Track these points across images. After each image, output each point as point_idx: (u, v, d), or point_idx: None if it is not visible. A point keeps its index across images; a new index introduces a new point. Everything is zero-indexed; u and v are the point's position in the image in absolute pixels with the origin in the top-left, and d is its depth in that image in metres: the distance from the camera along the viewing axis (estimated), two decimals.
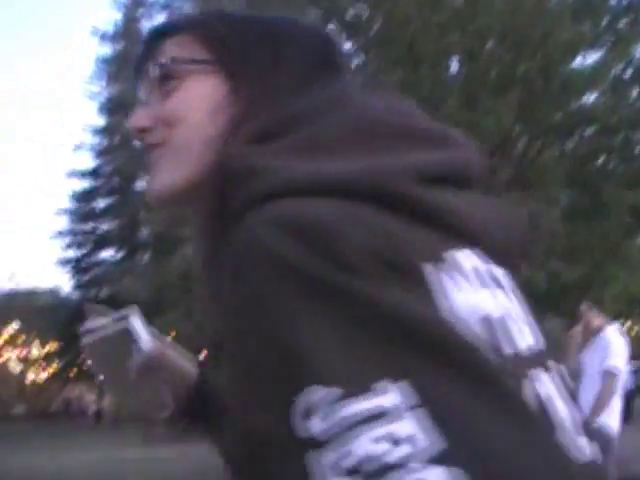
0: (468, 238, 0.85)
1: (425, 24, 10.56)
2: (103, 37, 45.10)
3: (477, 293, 0.81)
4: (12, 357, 53.86)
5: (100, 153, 46.65)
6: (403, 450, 0.65)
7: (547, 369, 0.87)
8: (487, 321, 0.80)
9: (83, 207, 47.29)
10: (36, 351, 52.46)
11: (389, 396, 0.67)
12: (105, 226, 47.64)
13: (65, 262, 45.74)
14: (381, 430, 0.66)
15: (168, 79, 1.03)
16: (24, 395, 54.97)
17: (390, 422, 0.67)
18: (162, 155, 1.02)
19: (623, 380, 7.38)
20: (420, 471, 0.64)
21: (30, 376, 55.07)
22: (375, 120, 0.90)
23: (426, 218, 0.81)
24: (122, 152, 43.95)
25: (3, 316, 49.80)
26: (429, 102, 11.49)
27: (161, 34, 1.07)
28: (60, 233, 46.48)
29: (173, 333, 36.40)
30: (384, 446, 0.66)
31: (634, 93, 11.33)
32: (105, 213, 47.10)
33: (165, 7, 39.03)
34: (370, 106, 0.94)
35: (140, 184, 46.61)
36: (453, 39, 11.03)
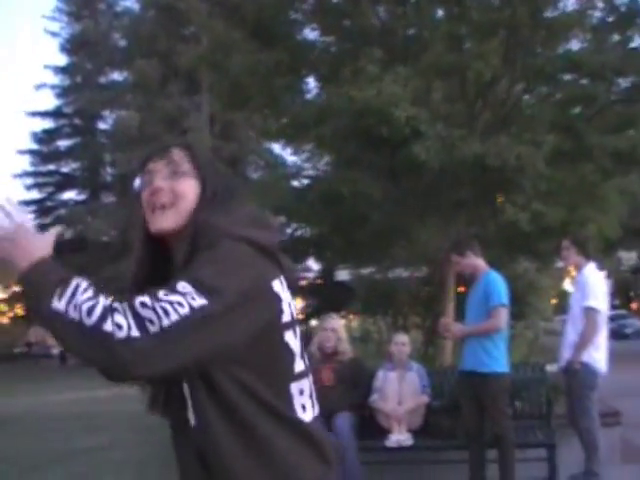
0: (284, 272, 2.01)
1: None
2: None
3: (286, 291, 1.99)
4: None
5: (62, 93, 45.83)
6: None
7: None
8: (290, 302, 2.00)
9: (45, 148, 46.59)
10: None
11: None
12: (68, 167, 47.02)
13: (27, 203, 45.18)
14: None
15: (179, 172, 2.08)
16: None
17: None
18: (169, 210, 2.04)
19: (605, 316, 7.55)
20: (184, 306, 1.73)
21: None
22: (253, 217, 2.05)
23: (277, 261, 1.99)
24: (84, 92, 43.26)
25: None
26: (416, 44, 11.60)
27: (169, 146, 2.15)
28: (21, 174, 45.84)
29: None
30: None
31: (616, 38, 11.52)
32: (68, 154, 46.42)
33: None
34: (249, 210, 2.09)
35: (103, 125, 46.21)
36: None
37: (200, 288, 1.74)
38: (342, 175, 11.47)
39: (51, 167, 46.82)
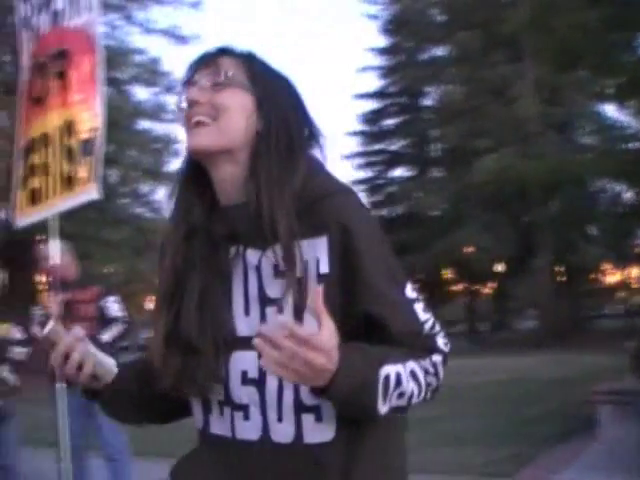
0: None
1: None
2: None
3: None
4: None
5: (385, 73, 46.93)
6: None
7: None
8: None
9: (372, 128, 47.98)
10: None
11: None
12: (395, 145, 48.09)
13: (358, 182, 46.82)
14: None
15: (221, 83, 1.70)
16: None
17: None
18: (208, 127, 1.69)
19: None
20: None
21: None
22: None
23: None
24: (407, 70, 44.00)
25: None
26: None
27: (222, 51, 1.76)
28: (351, 155, 47.50)
29: (471, 249, 36.55)
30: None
31: None
32: (394, 132, 47.45)
33: None
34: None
35: (427, 101, 46.80)
36: None
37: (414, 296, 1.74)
38: None
39: (379, 146, 47.87)
